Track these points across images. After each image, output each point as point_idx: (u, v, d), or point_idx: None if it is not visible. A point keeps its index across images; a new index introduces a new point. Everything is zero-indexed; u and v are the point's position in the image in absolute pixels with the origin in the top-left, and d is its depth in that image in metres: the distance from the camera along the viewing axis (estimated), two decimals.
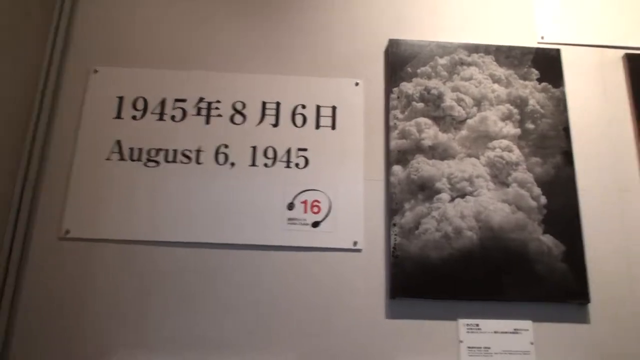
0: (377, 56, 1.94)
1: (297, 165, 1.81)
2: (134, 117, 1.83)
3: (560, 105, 1.90)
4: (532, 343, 1.67)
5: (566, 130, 1.88)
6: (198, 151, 1.80)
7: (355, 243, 1.75)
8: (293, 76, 1.91)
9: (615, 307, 1.73)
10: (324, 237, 1.75)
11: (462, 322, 1.69)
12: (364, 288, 1.70)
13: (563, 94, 1.92)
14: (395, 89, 1.88)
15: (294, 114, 1.86)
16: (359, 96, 1.90)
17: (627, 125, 1.91)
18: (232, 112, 1.86)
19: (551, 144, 1.86)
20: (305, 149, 1.83)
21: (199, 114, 1.84)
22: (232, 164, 1.80)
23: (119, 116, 1.83)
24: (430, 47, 1.94)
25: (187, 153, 1.80)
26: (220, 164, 1.80)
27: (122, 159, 1.78)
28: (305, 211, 1.77)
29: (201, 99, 1.86)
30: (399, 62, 1.91)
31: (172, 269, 1.68)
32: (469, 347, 1.66)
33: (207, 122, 1.83)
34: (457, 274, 1.71)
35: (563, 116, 1.89)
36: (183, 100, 1.85)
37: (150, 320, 1.64)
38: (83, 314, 1.64)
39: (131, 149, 1.79)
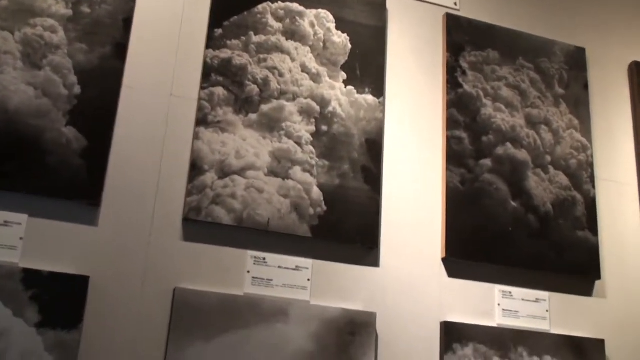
0: None
1: None
2: None
3: None
4: (21, 238, 1.59)
5: (126, 21, 1.82)
6: None
7: None
8: None
9: (129, 211, 1.69)
10: None
11: None
12: None
13: None
14: None
15: None
16: None
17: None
18: None
19: (104, 32, 1.78)
20: None
21: None
22: None
23: None
24: None
25: None
26: None
27: None
28: None
29: None
30: None
31: None
32: None
33: None
34: None
35: (127, 6, 1.83)
36: None
37: None
38: None
39: None
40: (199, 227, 1.72)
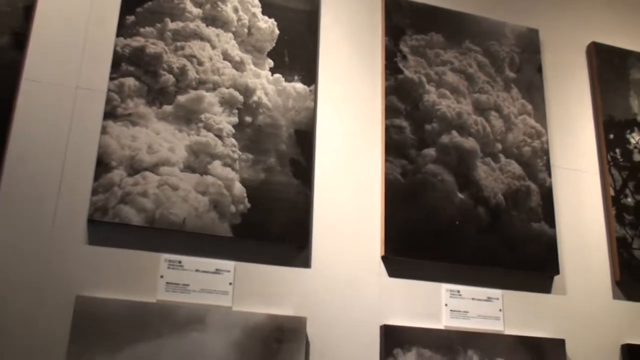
0: None
1: None
2: None
3: None
4: None
5: (27, 9, 1.68)
6: None
7: None
8: None
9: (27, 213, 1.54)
10: None
11: None
12: None
13: None
14: None
15: None
16: None
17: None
18: None
19: (1, 21, 1.65)
20: None
21: None
22: None
23: None
24: None
25: None
26: None
27: None
28: None
29: None
30: None
31: None
32: None
33: None
34: None
35: None
36: None
37: None
38: None
39: None
40: (106, 228, 1.57)
